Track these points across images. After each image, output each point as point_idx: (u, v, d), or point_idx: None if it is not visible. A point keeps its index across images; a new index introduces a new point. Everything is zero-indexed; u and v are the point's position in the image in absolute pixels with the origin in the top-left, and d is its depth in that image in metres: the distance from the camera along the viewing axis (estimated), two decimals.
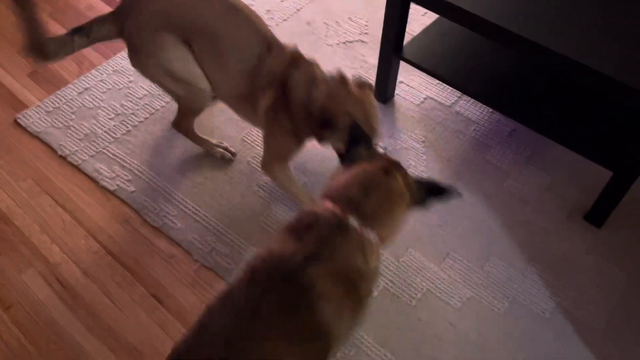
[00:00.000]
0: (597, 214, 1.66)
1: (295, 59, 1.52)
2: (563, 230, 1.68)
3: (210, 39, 1.49)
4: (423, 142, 1.91)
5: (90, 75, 2.08)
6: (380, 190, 1.06)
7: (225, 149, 1.83)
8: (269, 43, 1.51)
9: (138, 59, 1.57)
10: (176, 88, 1.60)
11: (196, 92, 1.61)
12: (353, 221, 1.02)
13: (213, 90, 1.61)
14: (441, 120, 1.97)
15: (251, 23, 1.51)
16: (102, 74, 2.09)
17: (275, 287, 0.97)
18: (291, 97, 1.48)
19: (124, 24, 1.54)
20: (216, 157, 1.82)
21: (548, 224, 1.70)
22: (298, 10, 2.35)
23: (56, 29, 2.25)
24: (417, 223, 1.69)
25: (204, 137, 1.82)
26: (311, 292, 0.96)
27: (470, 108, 2.00)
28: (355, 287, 1.02)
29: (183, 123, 1.74)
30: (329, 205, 1.03)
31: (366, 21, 2.31)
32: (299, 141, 1.58)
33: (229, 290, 1.01)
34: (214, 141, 1.83)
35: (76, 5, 2.36)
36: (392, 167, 1.11)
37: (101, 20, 1.56)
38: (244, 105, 1.60)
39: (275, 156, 1.61)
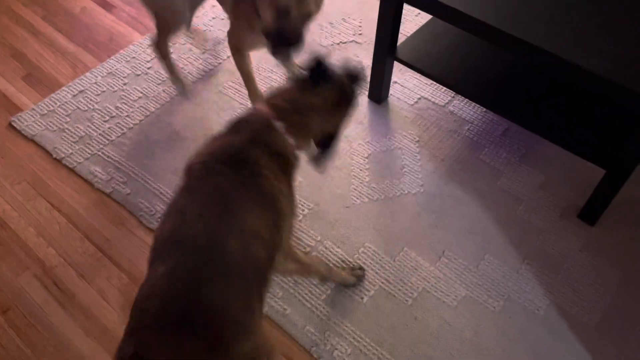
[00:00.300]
0: (591, 212, 1.68)
1: None
2: (557, 228, 1.70)
3: None
4: (417, 141, 1.92)
5: (85, 78, 2.08)
6: (304, 112, 1.25)
7: (185, 84, 2.00)
8: None
9: None
10: (152, 3, 1.75)
11: (170, 9, 1.77)
12: (278, 124, 1.20)
13: None
14: (435, 120, 1.98)
15: None
16: (96, 77, 2.09)
17: (229, 168, 1.13)
18: None
19: None
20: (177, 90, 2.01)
21: (542, 222, 1.71)
22: None
23: (48, 32, 2.25)
24: (412, 223, 1.70)
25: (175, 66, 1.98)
26: (257, 167, 1.14)
27: (464, 108, 2.01)
28: (285, 166, 1.21)
29: (160, 42, 1.87)
30: (264, 108, 1.22)
31: (360, 22, 2.32)
32: (258, 36, 1.61)
33: (190, 184, 1.14)
34: (181, 76, 2.00)
35: (70, 8, 2.36)
36: (336, 92, 1.29)
37: None
38: None
39: (237, 41, 1.74)
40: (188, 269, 1.01)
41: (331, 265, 1.55)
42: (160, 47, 1.90)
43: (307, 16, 1.52)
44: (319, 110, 1.27)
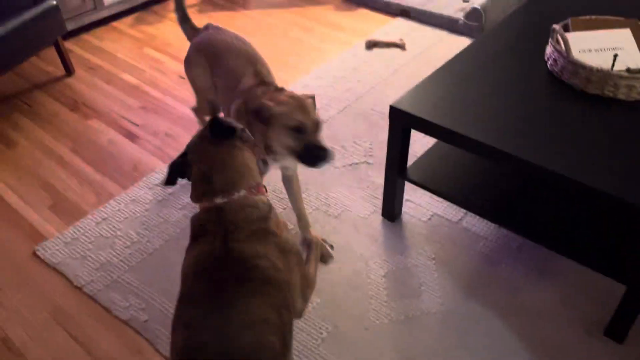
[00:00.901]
0: (617, 329, 1.63)
1: (276, 90, 1.76)
2: (582, 346, 1.64)
3: (222, 67, 1.93)
4: (433, 259, 1.93)
5: (109, 206, 2.17)
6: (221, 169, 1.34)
7: None
8: (260, 79, 1.82)
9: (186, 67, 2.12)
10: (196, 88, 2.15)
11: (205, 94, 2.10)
12: (222, 199, 1.28)
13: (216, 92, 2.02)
14: (449, 236, 2.00)
15: (250, 62, 1.88)
16: (119, 204, 2.17)
17: (221, 271, 1.19)
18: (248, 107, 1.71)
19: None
20: None
21: (567, 340, 1.66)
22: None
23: (76, 163, 2.39)
24: (434, 343, 1.66)
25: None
26: (243, 258, 1.21)
27: (477, 223, 2.04)
28: (264, 233, 1.27)
29: (198, 110, 2.25)
30: (204, 204, 1.32)
31: (370, 144, 2.44)
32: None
33: (185, 294, 1.22)
34: None
35: (98, 140, 2.52)
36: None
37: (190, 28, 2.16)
38: (226, 105, 1.91)
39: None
40: None
41: None
42: (198, 113, 2.29)
43: (317, 124, 1.64)
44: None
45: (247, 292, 1.17)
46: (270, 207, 1.35)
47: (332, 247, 1.98)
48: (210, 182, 1.31)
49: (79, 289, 1.87)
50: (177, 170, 1.41)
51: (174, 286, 1.85)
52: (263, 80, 1.82)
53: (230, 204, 1.28)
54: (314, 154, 1.60)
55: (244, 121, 1.69)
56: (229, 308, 1.14)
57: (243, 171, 1.34)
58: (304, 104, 1.64)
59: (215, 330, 1.11)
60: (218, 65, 1.95)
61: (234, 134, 1.36)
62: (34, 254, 1.99)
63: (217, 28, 2.08)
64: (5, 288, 1.88)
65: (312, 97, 1.75)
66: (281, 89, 1.76)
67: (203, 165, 1.34)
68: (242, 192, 1.31)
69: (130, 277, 1.89)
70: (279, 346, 1.15)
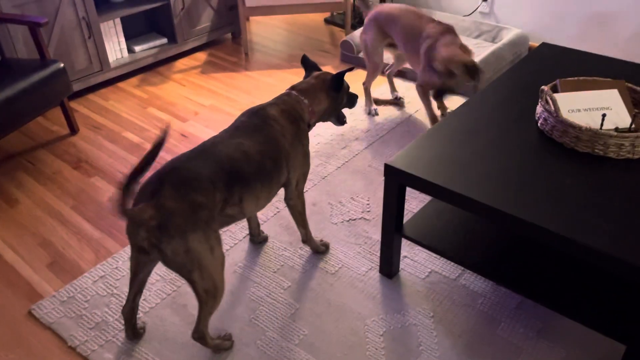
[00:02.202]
0: None
1: (443, 32, 2.65)
2: None
3: (401, 26, 2.81)
4: (432, 317, 1.91)
5: (107, 263, 2.17)
6: (314, 90, 1.98)
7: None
8: (428, 22, 2.74)
9: (362, 34, 3.02)
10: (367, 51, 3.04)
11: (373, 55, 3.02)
12: (301, 100, 1.93)
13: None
14: (448, 294, 1.99)
15: (418, 18, 2.77)
16: (117, 262, 2.18)
17: (249, 118, 1.83)
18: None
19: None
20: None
21: None
22: (304, 192, 2.52)
23: (76, 220, 2.41)
24: None
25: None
26: (264, 116, 1.83)
27: (475, 281, 2.03)
28: (295, 121, 1.88)
29: (367, 82, 3.19)
30: (294, 91, 1.97)
31: (368, 200, 2.46)
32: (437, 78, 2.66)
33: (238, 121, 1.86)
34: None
35: (98, 197, 2.56)
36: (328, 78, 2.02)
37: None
38: (413, 53, 2.78)
39: (423, 82, 2.77)
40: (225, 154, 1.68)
41: None
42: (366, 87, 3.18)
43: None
44: (323, 96, 1.99)
45: (257, 138, 1.76)
46: (305, 127, 1.93)
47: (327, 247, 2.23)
48: (302, 85, 1.99)
49: (73, 349, 1.84)
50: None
51: (169, 347, 1.83)
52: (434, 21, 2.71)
53: (298, 97, 1.93)
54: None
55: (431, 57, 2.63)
56: (234, 138, 1.74)
57: (320, 102, 1.99)
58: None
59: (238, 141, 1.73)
60: (395, 25, 2.81)
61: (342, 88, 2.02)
62: (30, 313, 1.97)
63: (382, 5, 2.90)
64: None
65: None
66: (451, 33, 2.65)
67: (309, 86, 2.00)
68: (306, 102, 1.94)
69: (124, 336, 1.87)
70: (272, 172, 1.78)
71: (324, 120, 2.06)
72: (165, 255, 1.49)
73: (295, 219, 2.07)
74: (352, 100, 2.11)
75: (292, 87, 1.96)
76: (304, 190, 2.27)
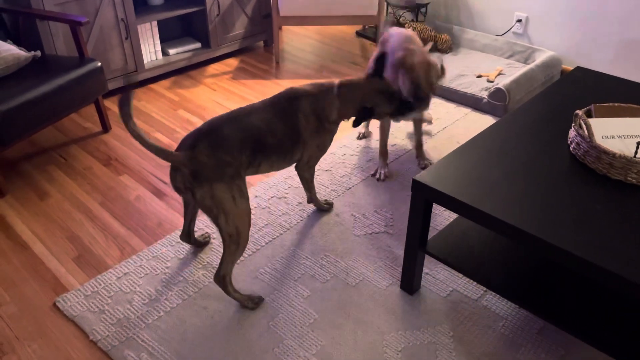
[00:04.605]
0: None
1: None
2: None
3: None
4: (452, 336, 1.89)
5: (131, 261, 2.20)
6: (351, 89, 2.14)
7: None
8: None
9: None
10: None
11: None
12: (335, 88, 2.12)
13: None
14: (469, 314, 1.97)
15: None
16: (142, 260, 2.21)
17: (285, 102, 2.05)
18: None
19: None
20: None
21: None
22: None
23: (104, 216, 2.46)
24: None
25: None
26: (296, 106, 2.05)
27: (498, 302, 2.01)
28: (320, 119, 2.09)
29: None
30: (335, 80, 2.16)
31: (391, 214, 2.46)
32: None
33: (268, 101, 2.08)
34: None
35: (126, 195, 2.60)
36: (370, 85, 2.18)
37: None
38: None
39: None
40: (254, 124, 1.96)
41: None
42: None
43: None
44: (366, 93, 2.13)
45: (282, 120, 2.02)
46: (329, 125, 2.14)
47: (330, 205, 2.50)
48: (347, 86, 2.14)
49: (94, 343, 1.87)
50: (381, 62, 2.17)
51: (187, 346, 1.85)
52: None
53: (335, 97, 2.11)
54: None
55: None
56: (266, 113, 2.00)
57: (349, 110, 2.14)
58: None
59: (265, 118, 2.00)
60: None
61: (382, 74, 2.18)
62: (54, 305, 2.01)
63: (395, 30, 2.74)
64: (22, 337, 1.89)
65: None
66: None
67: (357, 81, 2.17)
68: (338, 103, 2.12)
69: (145, 334, 1.90)
70: (288, 148, 2.06)
71: (378, 118, 2.26)
72: (196, 198, 1.80)
73: (302, 183, 2.36)
74: (420, 103, 2.32)
75: (341, 83, 2.13)
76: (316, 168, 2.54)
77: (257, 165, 1.98)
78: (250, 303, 1.99)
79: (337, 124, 2.17)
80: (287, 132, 2.02)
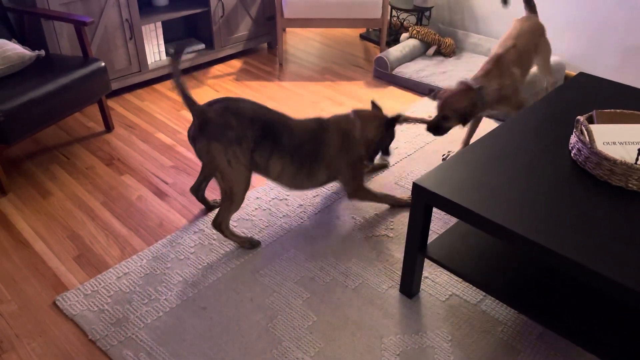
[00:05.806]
0: None
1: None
2: None
3: None
4: (450, 340, 1.89)
5: (131, 261, 2.21)
6: (368, 119, 2.35)
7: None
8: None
9: None
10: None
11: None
12: (357, 120, 2.31)
13: None
14: (467, 319, 1.97)
15: None
16: (142, 260, 2.22)
17: (313, 129, 2.22)
18: None
19: None
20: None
21: None
22: (328, 205, 2.53)
23: (105, 216, 2.46)
24: None
25: None
26: (325, 132, 2.23)
27: (497, 307, 2.01)
28: (345, 142, 2.26)
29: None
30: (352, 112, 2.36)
31: (392, 217, 2.45)
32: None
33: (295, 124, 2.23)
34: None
35: (128, 195, 2.61)
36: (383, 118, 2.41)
37: None
38: None
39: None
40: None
41: None
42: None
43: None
44: (375, 125, 2.35)
45: (310, 141, 2.20)
46: (355, 147, 2.30)
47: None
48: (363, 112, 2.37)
49: (93, 342, 1.87)
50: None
51: (186, 348, 1.85)
52: None
53: (355, 119, 2.32)
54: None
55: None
56: (290, 119, 2.22)
57: (369, 130, 2.34)
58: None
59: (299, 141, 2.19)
60: None
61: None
62: (54, 304, 2.02)
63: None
64: (22, 335, 1.90)
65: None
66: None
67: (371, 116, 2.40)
68: (359, 124, 2.32)
69: (144, 335, 1.90)
70: (314, 170, 2.24)
71: (372, 150, 2.38)
72: (195, 148, 2.05)
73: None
74: (391, 137, 2.49)
75: (355, 111, 2.34)
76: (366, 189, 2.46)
77: (268, 156, 2.11)
78: (248, 244, 2.24)
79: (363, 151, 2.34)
80: (307, 138, 2.18)
